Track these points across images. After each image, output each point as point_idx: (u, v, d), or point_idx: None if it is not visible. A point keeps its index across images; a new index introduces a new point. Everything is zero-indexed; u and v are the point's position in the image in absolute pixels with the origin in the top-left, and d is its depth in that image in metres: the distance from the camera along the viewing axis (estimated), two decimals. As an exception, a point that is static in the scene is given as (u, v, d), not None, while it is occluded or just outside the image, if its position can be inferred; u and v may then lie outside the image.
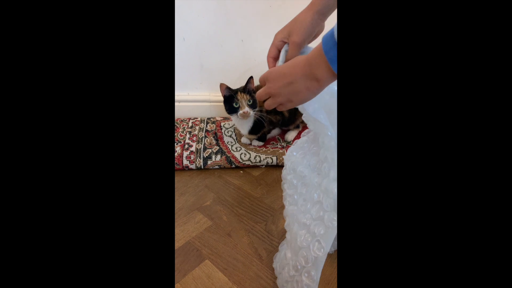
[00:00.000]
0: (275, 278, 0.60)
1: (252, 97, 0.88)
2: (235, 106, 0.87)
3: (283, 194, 0.53)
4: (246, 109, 0.86)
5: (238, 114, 0.87)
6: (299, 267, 0.44)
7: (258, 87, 0.97)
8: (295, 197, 0.48)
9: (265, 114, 0.91)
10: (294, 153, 0.49)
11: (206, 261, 0.64)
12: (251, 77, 0.89)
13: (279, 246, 0.59)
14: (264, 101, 0.96)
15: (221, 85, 0.88)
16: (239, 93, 0.87)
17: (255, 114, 0.89)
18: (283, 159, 0.93)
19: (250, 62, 1.07)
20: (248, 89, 0.89)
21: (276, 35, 0.48)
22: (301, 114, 0.98)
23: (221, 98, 1.13)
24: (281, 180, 0.88)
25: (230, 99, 0.88)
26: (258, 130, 0.95)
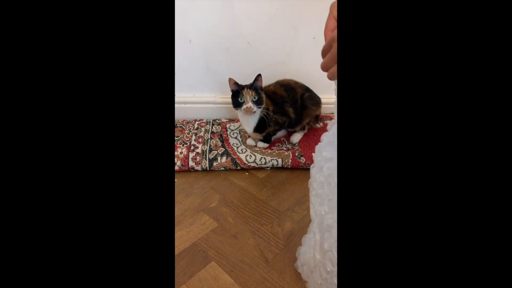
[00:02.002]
0: (281, 281, 0.60)
1: (258, 94, 0.90)
2: (240, 101, 0.88)
3: (310, 193, 0.52)
4: (250, 104, 0.87)
5: (242, 108, 0.88)
6: (328, 269, 0.44)
7: (267, 88, 0.97)
8: (323, 196, 0.47)
9: (271, 113, 0.92)
10: (322, 150, 0.47)
11: (212, 262, 0.64)
12: (259, 75, 0.90)
13: (300, 248, 0.58)
14: (272, 100, 0.95)
15: (230, 79, 0.90)
16: (245, 89, 0.89)
17: (261, 111, 0.91)
18: (288, 161, 0.93)
19: (256, 64, 1.07)
20: (255, 86, 0.90)
21: (332, 6, 0.41)
22: (308, 115, 0.99)
23: (227, 100, 1.14)
24: (287, 183, 0.88)
25: (237, 94, 0.89)
26: (263, 128, 0.95)
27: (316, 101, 1.01)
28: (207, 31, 1.02)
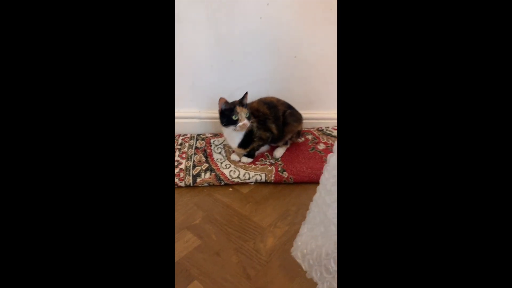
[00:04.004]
0: (263, 297, 0.61)
1: (248, 110, 0.94)
2: (234, 118, 0.90)
3: (321, 180, 0.52)
4: (245, 121, 0.90)
5: (238, 126, 0.90)
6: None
7: (251, 105, 0.99)
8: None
9: (255, 129, 0.95)
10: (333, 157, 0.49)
11: (195, 281, 0.64)
12: (247, 92, 0.94)
13: (299, 238, 0.59)
14: (255, 116, 0.99)
15: (221, 99, 0.91)
16: (237, 106, 0.91)
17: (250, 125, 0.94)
18: (271, 176, 0.95)
19: (240, 81, 1.10)
20: (244, 103, 0.93)
21: None
22: (290, 131, 1.02)
23: (212, 115, 1.15)
24: (271, 197, 0.90)
25: (229, 112, 0.91)
26: (248, 143, 0.97)
27: (297, 117, 1.04)
28: (192, 49, 1.04)
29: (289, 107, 1.04)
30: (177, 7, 0.95)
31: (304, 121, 1.10)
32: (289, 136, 1.05)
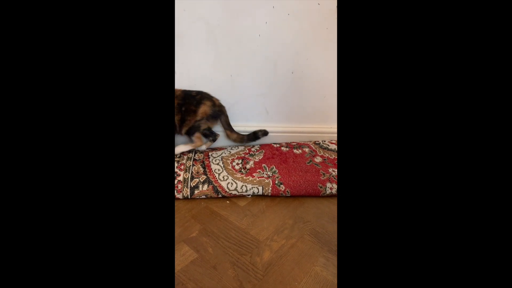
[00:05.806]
0: (260, 312, 0.60)
1: None
2: None
3: None
4: None
5: None
6: None
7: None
8: None
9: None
10: None
11: (191, 296, 0.63)
12: None
13: None
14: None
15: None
16: None
17: None
18: (269, 189, 0.96)
19: (238, 95, 1.12)
20: None
21: None
22: (186, 125, 1.07)
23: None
24: (267, 211, 0.90)
25: None
26: None
27: (191, 109, 1.07)
28: (192, 63, 1.07)
29: (186, 97, 1.06)
30: (178, 23, 0.98)
31: (301, 134, 1.12)
32: (186, 128, 1.09)
